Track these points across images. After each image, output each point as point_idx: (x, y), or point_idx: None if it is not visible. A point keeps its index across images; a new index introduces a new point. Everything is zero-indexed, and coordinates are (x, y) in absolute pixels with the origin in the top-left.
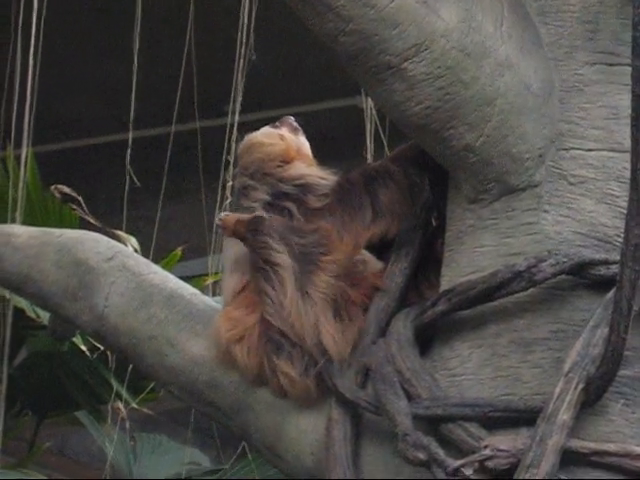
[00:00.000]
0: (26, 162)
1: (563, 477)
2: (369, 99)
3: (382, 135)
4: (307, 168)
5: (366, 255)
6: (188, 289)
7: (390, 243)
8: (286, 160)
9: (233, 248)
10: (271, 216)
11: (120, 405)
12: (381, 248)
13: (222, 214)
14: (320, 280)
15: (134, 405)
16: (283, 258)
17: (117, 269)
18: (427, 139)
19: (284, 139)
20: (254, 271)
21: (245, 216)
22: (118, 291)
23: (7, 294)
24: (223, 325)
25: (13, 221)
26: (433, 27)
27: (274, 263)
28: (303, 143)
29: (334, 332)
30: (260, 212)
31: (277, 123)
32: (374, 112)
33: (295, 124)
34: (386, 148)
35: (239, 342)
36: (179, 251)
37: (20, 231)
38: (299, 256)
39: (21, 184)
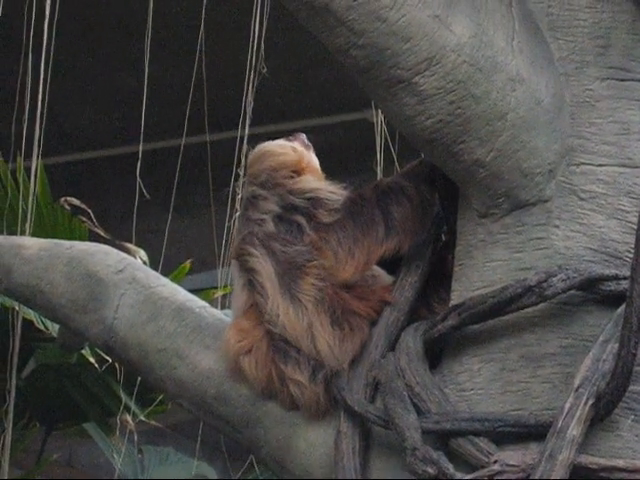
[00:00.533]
0: (36, 174)
1: None
2: (379, 113)
3: (392, 149)
4: (318, 182)
5: (376, 270)
6: (197, 302)
7: (401, 258)
8: (297, 171)
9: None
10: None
11: (128, 417)
12: (392, 263)
13: None
14: (306, 283)
15: (142, 418)
16: (262, 264)
17: (127, 281)
18: (438, 153)
19: (296, 151)
20: (247, 284)
21: None
22: (127, 303)
23: (16, 306)
24: (232, 337)
25: (23, 233)
26: (445, 41)
27: (254, 270)
28: (313, 159)
29: (329, 338)
30: (269, 224)
31: (290, 137)
32: (384, 126)
33: (307, 141)
34: (396, 162)
35: (247, 354)
36: (188, 264)
37: (30, 243)
38: (283, 263)
39: (31, 196)
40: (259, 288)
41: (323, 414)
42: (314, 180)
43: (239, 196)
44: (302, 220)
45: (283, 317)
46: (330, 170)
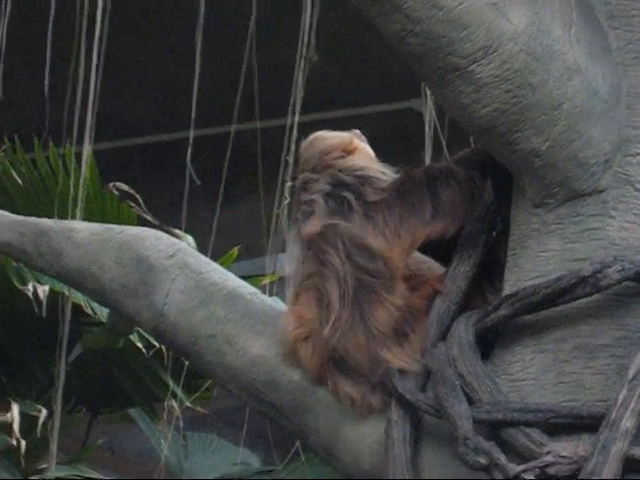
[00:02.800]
0: (86, 160)
1: None
2: (428, 102)
3: (441, 138)
4: (368, 161)
5: (429, 260)
6: (248, 288)
7: (446, 246)
8: (348, 151)
9: (298, 245)
10: (345, 225)
11: (174, 404)
12: (437, 251)
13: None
14: (379, 315)
15: (188, 404)
16: (340, 280)
17: (177, 267)
18: (493, 142)
19: (347, 135)
20: (315, 277)
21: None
22: (178, 289)
23: (66, 290)
24: (291, 323)
25: (73, 217)
26: (502, 30)
27: (329, 282)
28: (367, 148)
29: (402, 356)
30: (320, 202)
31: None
32: (433, 115)
33: (361, 135)
34: (445, 152)
35: (305, 341)
36: (235, 251)
37: (81, 227)
38: (360, 280)
39: (82, 181)
40: (327, 299)
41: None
42: (365, 159)
43: (288, 184)
44: (350, 196)
45: (348, 337)
46: (378, 159)
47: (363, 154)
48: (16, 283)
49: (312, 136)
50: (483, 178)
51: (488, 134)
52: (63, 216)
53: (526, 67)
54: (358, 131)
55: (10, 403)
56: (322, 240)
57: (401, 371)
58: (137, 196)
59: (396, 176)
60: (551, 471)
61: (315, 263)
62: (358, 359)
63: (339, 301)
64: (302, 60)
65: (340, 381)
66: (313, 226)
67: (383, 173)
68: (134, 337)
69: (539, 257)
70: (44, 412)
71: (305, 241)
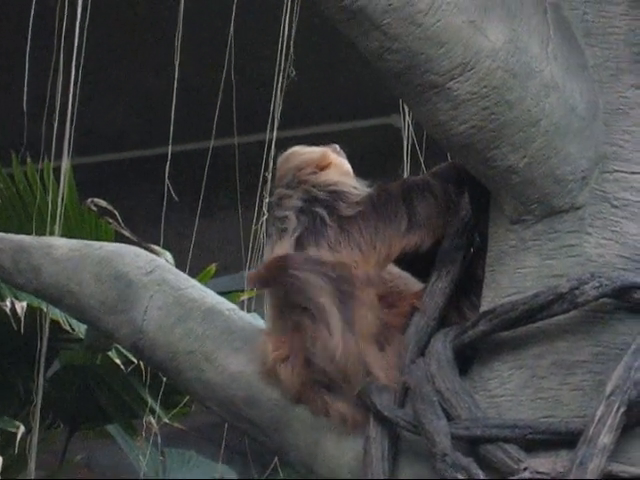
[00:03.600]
0: (65, 175)
1: None
2: (406, 117)
3: (419, 154)
4: (341, 176)
5: (406, 276)
6: (227, 304)
7: (423, 261)
8: (322, 167)
9: None
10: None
11: (152, 420)
12: (413, 265)
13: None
14: (361, 315)
15: (166, 420)
16: (326, 298)
17: (156, 283)
18: (470, 159)
19: (322, 150)
20: (291, 309)
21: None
22: (157, 305)
23: (44, 306)
24: (270, 344)
25: (52, 233)
26: (479, 47)
27: (318, 303)
28: (344, 162)
29: (381, 363)
30: (292, 218)
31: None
32: (412, 131)
33: (340, 150)
34: (423, 167)
35: (284, 361)
36: (213, 267)
37: (60, 243)
38: (338, 292)
39: (60, 197)
40: (318, 321)
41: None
42: (338, 174)
43: (266, 199)
44: (323, 212)
45: (337, 352)
46: (356, 174)
47: (338, 169)
48: None
49: (288, 152)
50: (459, 192)
51: (465, 151)
52: (41, 232)
53: (503, 84)
54: (337, 146)
55: None
56: (286, 271)
57: (378, 387)
58: (115, 212)
59: (369, 190)
60: None
61: (290, 295)
62: (345, 368)
63: (330, 321)
64: (280, 76)
65: (328, 399)
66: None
67: (355, 188)
68: (112, 353)
69: (516, 273)
70: (22, 428)
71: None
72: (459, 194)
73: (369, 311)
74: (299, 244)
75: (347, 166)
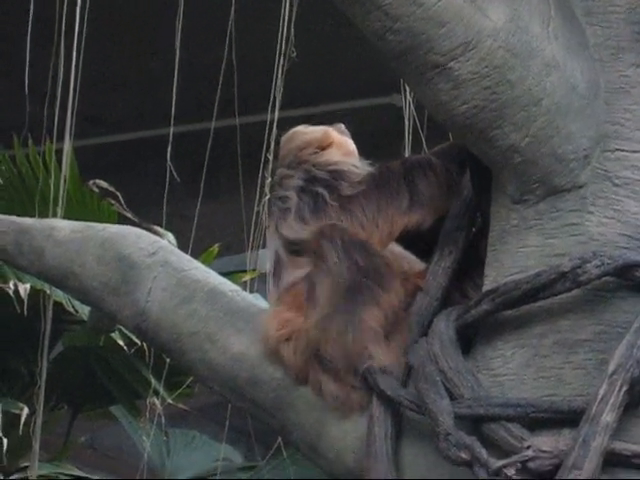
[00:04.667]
0: (66, 157)
1: (606, 479)
2: (408, 97)
3: (420, 133)
4: (343, 156)
5: (409, 256)
6: (229, 286)
7: (425, 240)
8: (323, 147)
9: (275, 243)
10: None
11: (156, 401)
12: (415, 245)
13: None
14: (372, 314)
15: (169, 401)
16: (333, 278)
17: (159, 264)
18: (472, 139)
19: (324, 130)
20: (307, 275)
21: None
22: (160, 286)
23: (47, 288)
24: (272, 324)
25: (54, 215)
26: (480, 26)
27: (322, 280)
28: (348, 141)
29: (384, 351)
30: (293, 198)
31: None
32: (413, 110)
33: (344, 130)
34: (424, 147)
35: (287, 342)
36: (216, 247)
37: (62, 225)
38: (355, 280)
39: (62, 179)
40: (319, 295)
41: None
42: (339, 154)
43: (268, 180)
44: (324, 191)
45: (337, 336)
46: (358, 154)
47: (340, 148)
48: None
49: (290, 132)
50: (461, 171)
51: (467, 131)
52: (44, 214)
53: (505, 63)
54: (342, 125)
55: None
56: (320, 238)
57: (381, 367)
58: (117, 194)
59: (371, 169)
60: (532, 465)
61: (308, 263)
62: (344, 358)
63: (330, 299)
64: (281, 56)
65: (323, 379)
66: (304, 231)
67: (356, 167)
68: (115, 335)
69: (519, 253)
70: (26, 410)
71: (292, 243)
72: (461, 173)
73: (385, 312)
74: (303, 223)
75: (351, 145)
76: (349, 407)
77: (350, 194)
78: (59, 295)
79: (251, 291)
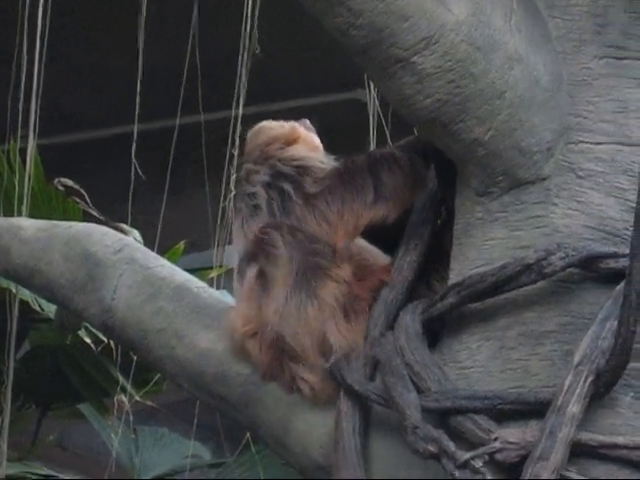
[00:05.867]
0: (31, 156)
1: (572, 469)
2: (372, 92)
3: (385, 128)
4: (308, 151)
5: (374, 250)
6: (195, 282)
7: (390, 234)
8: (289, 143)
9: (242, 241)
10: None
11: (124, 398)
12: (380, 239)
13: None
14: (327, 288)
15: (137, 398)
16: (283, 258)
17: (125, 262)
18: (436, 132)
19: (290, 126)
20: (257, 271)
21: None
22: (126, 284)
23: (13, 287)
24: (238, 321)
25: (19, 214)
26: (443, 20)
27: (271, 262)
28: (314, 137)
29: (342, 329)
30: (261, 193)
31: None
32: (377, 105)
33: (310, 125)
34: (389, 141)
35: (253, 337)
36: (182, 245)
37: (28, 224)
38: (307, 261)
39: (26, 177)
40: (272, 282)
41: (327, 400)
42: (305, 149)
43: (233, 176)
44: (289, 187)
45: (295, 317)
46: (323, 149)
47: (306, 144)
48: None
49: (256, 127)
50: (426, 165)
51: (431, 124)
52: (9, 213)
53: (468, 57)
54: (307, 121)
55: None
56: (267, 234)
57: (349, 361)
58: (82, 192)
59: (335, 164)
60: (499, 457)
61: (260, 255)
62: (306, 341)
63: (283, 284)
64: (245, 52)
65: (296, 369)
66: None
67: (322, 162)
68: (82, 333)
69: (484, 245)
70: None
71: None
72: (426, 167)
73: (339, 286)
74: (272, 219)
75: (316, 141)
76: (324, 396)
77: (315, 190)
78: (25, 294)
79: (218, 288)
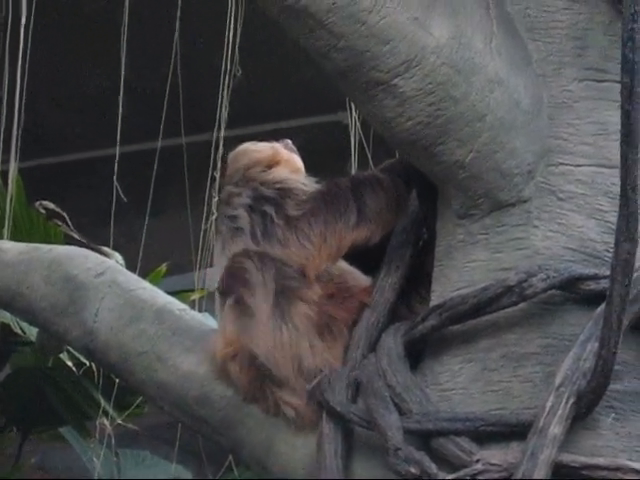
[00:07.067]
0: (12, 178)
1: None
2: (354, 115)
3: (367, 151)
4: (290, 173)
5: (354, 272)
6: (177, 305)
7: (375, 258)
8: (271, 166)
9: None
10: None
11: (106, 421)
12: (360, 261)
13: None
14: (299, 309)
15: (119, 421)
16: (260, 294)
17: (107, 285)
18: (417, 155)
19: (272, 148)
20: (234, 297)
21: None
22: (108, 307)
23: None
24: (219, 343)
25: (1, 237)
26: (424, 43)
27: (250, 299)
28: (296, 158)
29: (317, 351)
30: (244, 216)
31: (273, 142)
32: (359, 128)
33: (291, 146)
34: (371, 163)
35: (233, 359)
36: (164, 267)
37: (9, 246)
38: (281, 285)
39: (8, 200)
40: (248, 309)
41: (311, 423)
42: (287, 172)
43: (215, 199)
44: (271, 210)
45: (271, 339)
46: (305, 171)
47: (288, 166)
48: None
49: (238, 149)
50: (408, 187)
51: (412, 147)
52: None
53: (448, 80)
54: (289, 141)
55: None
56: (239, 262)
57: (331, 383)
58: (64, 214)
59: (318, 186)
60: (481, 479)
61: (235, 283)
62: (283, 364)
63: (259, 308)
64: (227, 75)
65: (279, 393)
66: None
67: (304, 184)
68: (64, 356)
69: (465, 267)
70: None
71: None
72: (408, 189)
73: (309, 306)
74: (255, 242)
75: (298, 162)
76: (308, 419)
77: (297, 212)
78: (6, 317)
79: (200, 310)
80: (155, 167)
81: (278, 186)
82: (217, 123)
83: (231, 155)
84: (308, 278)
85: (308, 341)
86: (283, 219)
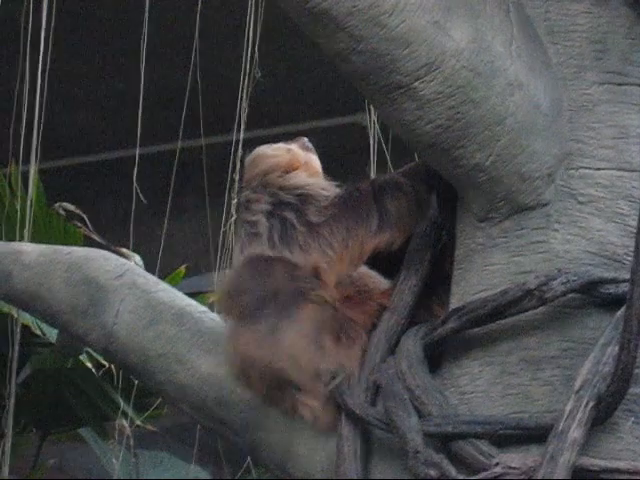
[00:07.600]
0: (32, 180)
1: None
2: (372, 116)
3: (385, 152)
4: (309, 178)
5: (374, 275)
6: (197, 306)
7: (394, 260)
8: (289, 171)
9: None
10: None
11: (125, 422)
12: (379, 264)
13: None
14: (306, 311)
15: (139, 422)
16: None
17: (126, 286)
18: (437, 158)
19: (290, 151)
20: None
21: None
22: (127, 308)
23: (15, 312)
24: (239, 344)
25: (21, 239)
26: (444, 47)
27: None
28: (313, 160)
29: (331, 353)
30: (262, 222)
31: (290, 141)
32: (377, 129)
33: (308, 144)
34: (389, 165)
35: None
36: (183, 269)
37: (29, 249)
38: (287, 289)
39: (28, 202)
40: (252, 313)
41: (329, 425)
42: (306, 176)
43: (234, 200)
44: (292, 216)
45: (280, 343)
46: (323, 173)
47: (306, 169)
48: None
49: (254, 153)
50: (429, 190)
51: (432, 150)
52: (10, 238)
53: (468, 83)
54: (305, 139)
55: None
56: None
57: (350, 385)
58: (83, 216)
59: (338, 191)
60: None
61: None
62: (295, 367)
63: (268, 314)
64: (246, 77)
65: (297, 395)
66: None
67: (324, 189)
68: (84, 357)
69: (485, 271)
70: None
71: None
72: (429, 192)
73: (317, 306)
74: (272, 247)
75: (316, 164)
76: (327, 421)
77: (319, 219)
78: (26, 318)
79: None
80: (174, 168)
81: (298, 192)
82: (236, 125)
83: (248, 159)
84: (328, 283)
85: (320, 344)
86: (305, 225)
